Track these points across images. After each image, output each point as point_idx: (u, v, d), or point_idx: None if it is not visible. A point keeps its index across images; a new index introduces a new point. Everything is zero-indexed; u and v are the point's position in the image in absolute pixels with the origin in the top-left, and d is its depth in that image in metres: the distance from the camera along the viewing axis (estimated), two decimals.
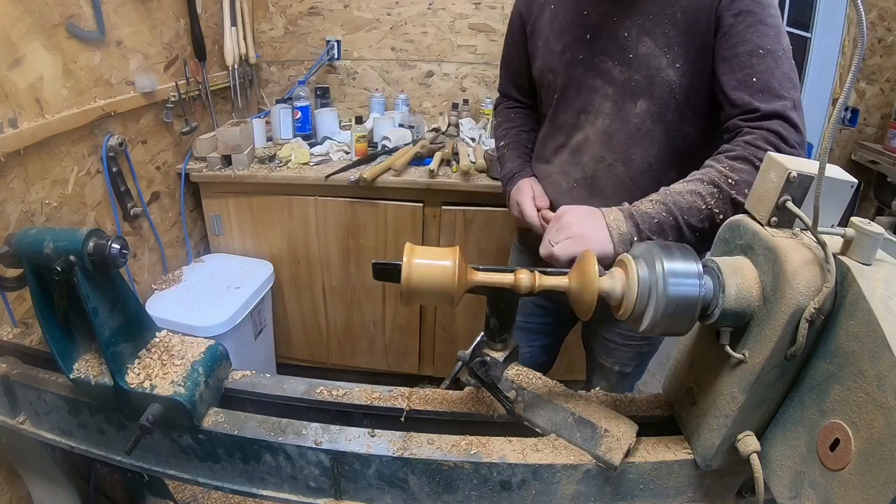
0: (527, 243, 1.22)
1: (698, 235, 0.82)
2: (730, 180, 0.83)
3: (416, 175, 1.83)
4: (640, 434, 0.61)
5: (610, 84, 0.95)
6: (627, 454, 0.59)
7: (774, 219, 0.54)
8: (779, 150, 0.81)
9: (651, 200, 0.84)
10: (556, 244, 0.82)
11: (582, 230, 0.82)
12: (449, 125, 2.21)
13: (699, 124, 0.94)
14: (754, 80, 0.84)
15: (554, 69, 1.02)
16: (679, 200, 0.83)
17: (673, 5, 0.88)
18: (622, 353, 1.22)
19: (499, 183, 1.79)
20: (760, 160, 0.81)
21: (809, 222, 0.49)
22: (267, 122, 2.14)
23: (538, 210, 1.04)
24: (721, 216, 0.82)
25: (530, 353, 1.33)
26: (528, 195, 1.06)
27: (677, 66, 0.89)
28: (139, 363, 0.67)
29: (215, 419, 0.67)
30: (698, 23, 0.87)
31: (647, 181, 0.96)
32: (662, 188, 0.87)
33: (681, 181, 0.87)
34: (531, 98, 1.20)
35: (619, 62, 0.94)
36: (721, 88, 0.88)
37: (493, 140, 2.10)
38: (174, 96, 1.72)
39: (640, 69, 0.92)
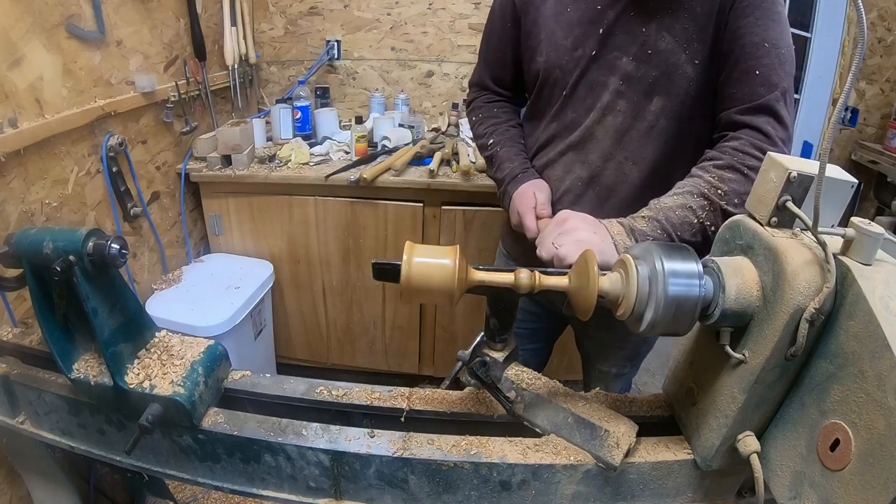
0: (517, 252, 1.17)
1: None
2: (719, 191, 0.82)
3: (416, 175, 1.83)
4: (640, 434, 0.61)
5: (624, 80, 0.92)
6: (627, 454, 0.59)
7: (774, 219, 0.54)
8: (764, 152, 0.81)
9: (644, 217, 0.84)
10: (560, 246, 0.80)
11: (590, 237, 0.80)
12: (449, 125, 2.21)
13: (710, 122, 0.93)
14: (757, 72, 0.83)
15: (563, 66, 0.97)
16: (671, 216, 0.82)
17: None
18: (617, 355, 1.22)
19: None
20: (749, 167, 0.82)
21: (809, 222, 0.49)
22: (267, 122, 2.14)
23: (538, 218, 0.97)
24: (713, 228, 0.82)
25: (522, 357, 1.31)
26: (530, 205, 0.98)
27: (696, 62, 0.88)
28: (139, 363, 0.67)
29: (215, 419, 0.67)
30: (712, 16, 0.86)
31: (656, 180, 0.94)
32: (652, 201, 0.86)
33: (670, 193, 0.86)
34: (510, 90, 1.16)
35: (635, 58, 0.91)
36: (721, 80, 0.87)
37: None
38: (174, 96, 1.72)
39: (658, 65, 0.89)
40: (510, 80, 1.14)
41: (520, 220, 1.00)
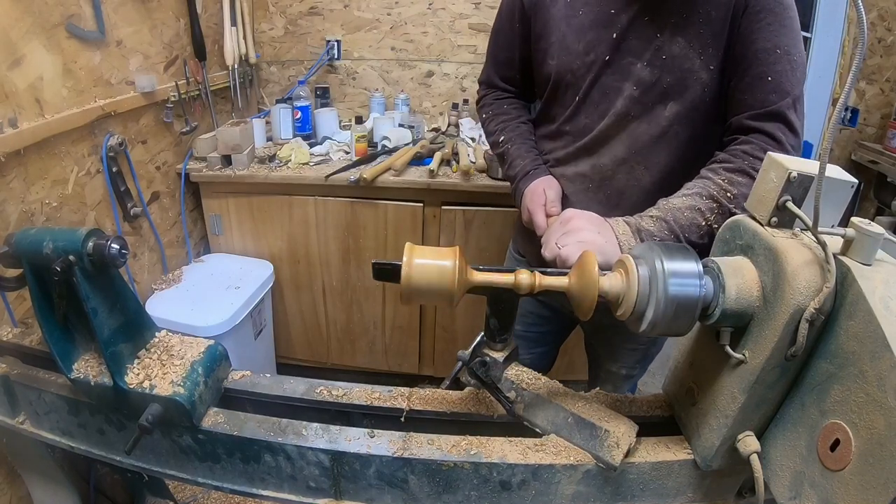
0: (530, 251, 1.16)
1: (698, 251, 0.82)
2: (728, 194, 0.82)
3: (416, 175, 1.83)
4: (640, 434, 0.61)
5: (638, 85, 0.91)
6: (627, 454, 0.59)
7: (775, 219, 0.54)
8: None
9: (652, 217, 0.83)
10: (563, 247, 0.79)
11: (594, 238, 0.80)
12: (449, 125, 2.21)
13: (721, 126, 0.92)
14: (769, 78, 0.83)
15: (575, 70, 0.95)
16: (679, 217, 0.82)
17: (707, 3, 0.85)
18: (629, 357, 1.21)
19: (499, 183, 1.81)
20: (759, 171, 0.82)
21: (809, 222, 0.49)
22: (267, 122, 2.14)
23: (548, 216, 0.97)
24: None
25: (530, 360, 1.30)
26: (539, 202, 0.98)
27: (711, 67, 0.87)
28: (139, 363, 0.67)
29: (215, 419, 0.67)
30: (727, 21, 0.85)
31: (668, 184, 0.93)
32: (661, 201, 0.86)
33: (678, 193, 0.86)
34: (519, 87, 1.15)
35: (649, 63, 0.89)
36: (732, 84, 0.87)
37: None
38: (174, 96, 1.72)
39: (672, 71, 0.88)
40: (519, 78, 1.13)
41: (530, 217, 0.99)
